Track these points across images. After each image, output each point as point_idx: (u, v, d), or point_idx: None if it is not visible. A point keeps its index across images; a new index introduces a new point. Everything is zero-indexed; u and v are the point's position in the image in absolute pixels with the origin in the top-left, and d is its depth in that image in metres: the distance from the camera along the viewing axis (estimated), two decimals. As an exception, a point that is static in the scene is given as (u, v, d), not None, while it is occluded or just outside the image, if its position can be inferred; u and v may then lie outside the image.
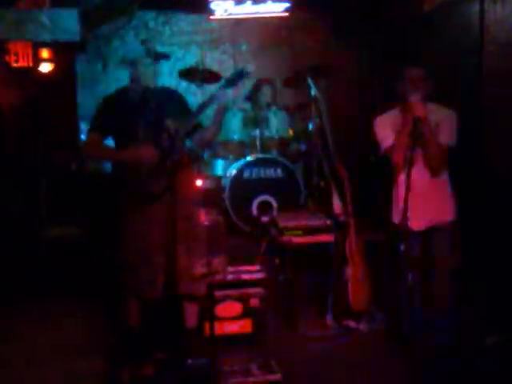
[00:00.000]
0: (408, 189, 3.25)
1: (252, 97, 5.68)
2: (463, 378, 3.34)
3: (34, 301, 4.63)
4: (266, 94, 5.58)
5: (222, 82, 3.56)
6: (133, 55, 3.57)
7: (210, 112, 3.57)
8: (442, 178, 3.72)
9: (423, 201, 3.60)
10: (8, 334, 4.12)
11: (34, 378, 3.51)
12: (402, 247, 3.37)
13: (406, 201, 3.23)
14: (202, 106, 3.51)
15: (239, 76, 3.52)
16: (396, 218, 3.76)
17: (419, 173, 3.56)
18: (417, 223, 3.57)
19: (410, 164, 3.30)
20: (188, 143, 3.59)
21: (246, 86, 5.80)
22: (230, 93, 3.43)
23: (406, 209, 3.23)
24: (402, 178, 3.67)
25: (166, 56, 3.78)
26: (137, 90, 3.58)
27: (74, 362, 3.64)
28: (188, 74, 5.74)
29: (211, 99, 3.46)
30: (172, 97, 3.69)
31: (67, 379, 3.48)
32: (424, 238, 3.72)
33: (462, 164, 3.86)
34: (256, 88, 5.65)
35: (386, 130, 3.75)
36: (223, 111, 3.57)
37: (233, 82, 3.53)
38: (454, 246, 3.71)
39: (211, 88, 5.26)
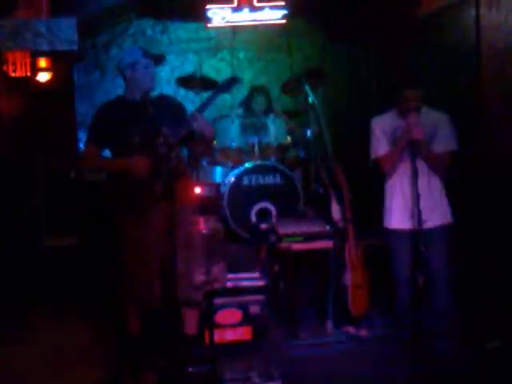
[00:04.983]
0: (417, 196, 3.40)
1: (245, 104, 5.69)
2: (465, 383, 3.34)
3: (34, 308, 4.63)
4: (258, 102, 5.57)
5: (216, 88, 3.57)
6: (131, 58, 3.57)
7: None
8: (437, 182, 3.74)
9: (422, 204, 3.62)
10: (8, 339, 4.11)
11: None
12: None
13: (417, 205, 3.41)
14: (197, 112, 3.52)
15: (231, 83, 3.54)
16: (393, 223, 3.77)
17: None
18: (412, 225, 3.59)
19: (415, 176, 3.44)
20: (184, 150, 3.60)
21: (241, 92, 5.85)
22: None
23: (419, 212, 3.40)
24: (391, 184, 3.80)
25: (162, 57, 3.78)
26: (134, 97, 3.58)
27: (74, 370, 3.63)
28: (186, 82, 5.74)
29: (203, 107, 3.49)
30: (171, 105, 3.70)
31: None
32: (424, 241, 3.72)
33: (461, 166, 3.87)
34: (249, 95, 5.66)
35: (380, 137, 3.77)
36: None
37: (225, 88, 3.54)
38: (451, 249, 3.72)
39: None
